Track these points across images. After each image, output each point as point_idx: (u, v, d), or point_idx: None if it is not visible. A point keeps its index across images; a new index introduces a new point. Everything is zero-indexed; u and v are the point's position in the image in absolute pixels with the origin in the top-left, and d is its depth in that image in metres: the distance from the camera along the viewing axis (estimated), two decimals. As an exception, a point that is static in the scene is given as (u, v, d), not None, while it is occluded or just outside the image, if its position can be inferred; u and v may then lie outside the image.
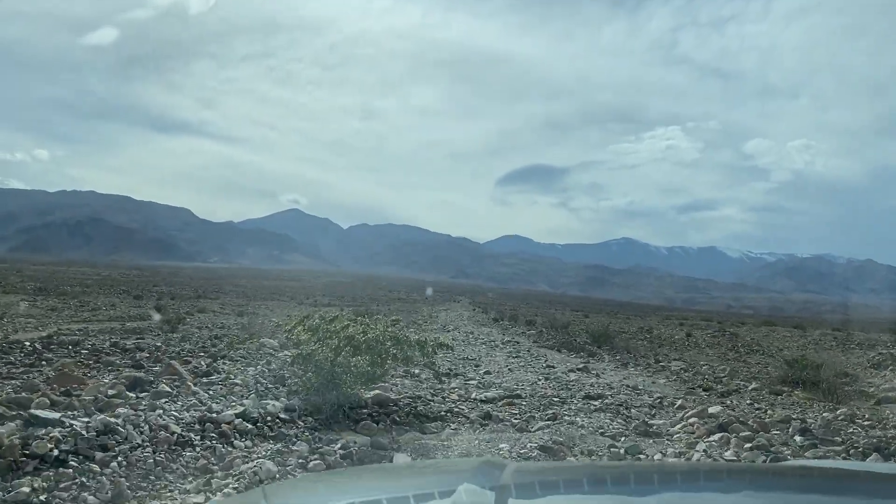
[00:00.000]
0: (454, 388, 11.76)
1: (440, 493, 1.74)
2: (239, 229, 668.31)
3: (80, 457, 5.83)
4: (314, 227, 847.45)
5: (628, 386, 13.26)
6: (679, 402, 11.17)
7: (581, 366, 16.40)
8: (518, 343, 22.80)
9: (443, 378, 11.93)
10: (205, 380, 10.15)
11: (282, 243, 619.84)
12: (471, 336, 25.14)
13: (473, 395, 11.05)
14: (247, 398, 8.77)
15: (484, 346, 20.74)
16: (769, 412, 10.51)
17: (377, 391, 9.64)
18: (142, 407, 7.65)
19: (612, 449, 7.78)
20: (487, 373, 14.39)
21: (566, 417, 9.45)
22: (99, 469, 5.63)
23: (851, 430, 9.06)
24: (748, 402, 11.76)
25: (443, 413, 9.33)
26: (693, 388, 13.49)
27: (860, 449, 7.88)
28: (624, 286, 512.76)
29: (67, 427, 6.33)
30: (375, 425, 8.23)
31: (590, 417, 9.56)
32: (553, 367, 16.01)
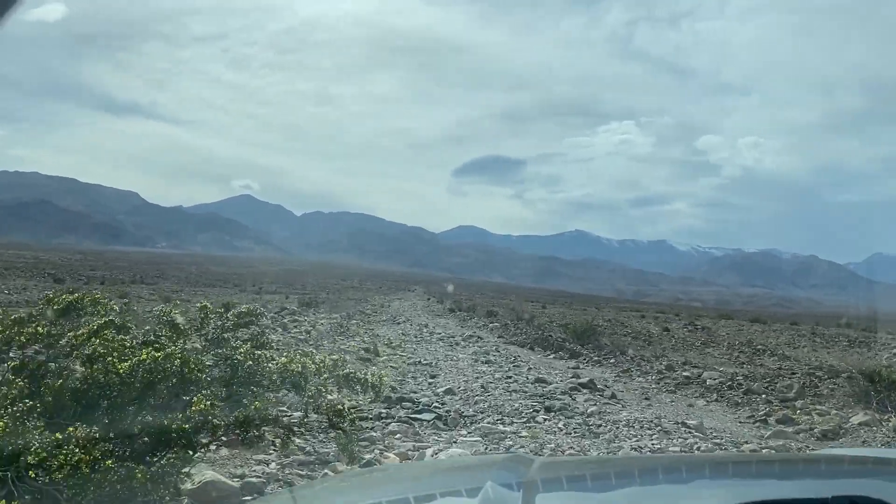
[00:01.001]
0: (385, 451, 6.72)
1: (467, 490, 1.74)
2: (189, 214, 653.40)
3: None
4: (267, 214, 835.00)
5: (708, 435, 8.43)
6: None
7: (580, 378, 12.38)
8: (482, 339, 19.32)
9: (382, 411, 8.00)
10: None
11: (233, 229, 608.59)
12: (424, 330, 21.47)
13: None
14: None
15: (441, 344, 17.13)
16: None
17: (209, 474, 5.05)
18: None
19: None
20: (449, 392, 10.01)
21: None
22: None
23: None
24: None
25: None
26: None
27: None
28: (576, 278, 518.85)
29: None
30: None
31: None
32: (545, 381, 11.75)
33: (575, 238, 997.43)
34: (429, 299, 46.82)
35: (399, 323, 23.84)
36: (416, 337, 19.13)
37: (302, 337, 16.02)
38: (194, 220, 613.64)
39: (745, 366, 17.30)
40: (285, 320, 19.85)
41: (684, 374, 14.48)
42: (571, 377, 12.82)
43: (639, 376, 13.97)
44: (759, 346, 22.77)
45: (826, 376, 14.33)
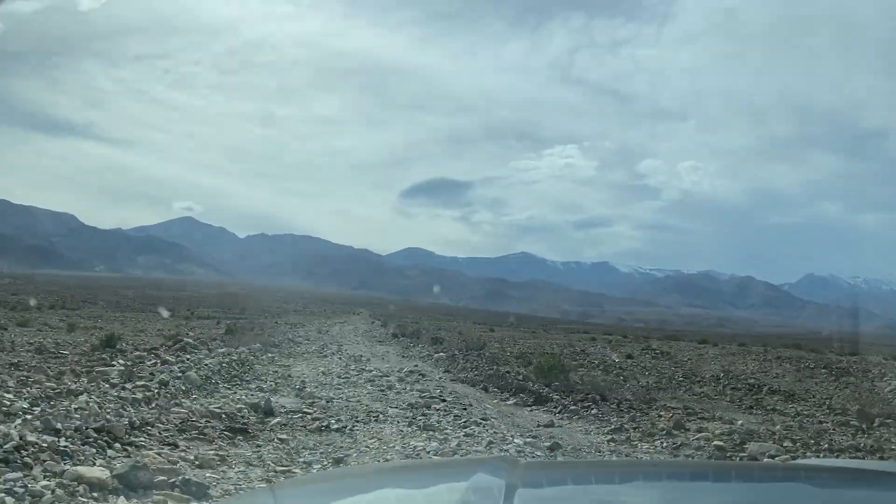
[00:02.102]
0: None
1: (450, 489, 1.76)
2: (128, 237, 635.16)
3: None
4: (209, 236, 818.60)
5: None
6: None
7: (560, 444, 9.26)
8: (424, 376, 15.98)
9: None
10: None
11: (174, 252, 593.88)
12: (355, 366, 17.68)
13: None
14: None
15: (370, 388, 13.55)
16: None
17: None
18: None
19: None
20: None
21: None
22: None
23: None
24: None
25: None
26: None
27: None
28: (522, 299, 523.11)
29: None
30: None
31: None
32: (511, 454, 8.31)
33: (520, 260, 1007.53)
34: (373, 322, 46.18)
35: (326, 356, 20.18)
36: (340, 376, 15.17)
37: (147, 393, 9.69)
38: (134, 243, 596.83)
39: (756, 411, 14.28)
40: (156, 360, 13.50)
41: (702, 433, 10.41)
42: (548, 443, 9.24)
43: (642, 440, 9.95)
44: (748, 380, 19.36)
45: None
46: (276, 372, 15.51)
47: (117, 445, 6.84)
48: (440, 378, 16.36)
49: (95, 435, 6.85)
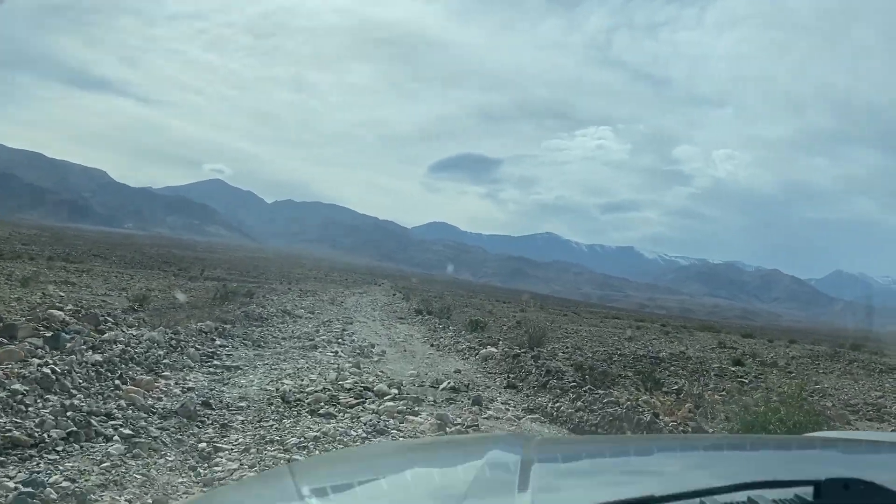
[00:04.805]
0: None
1: (465, 465, 1.75)
2: (158, 196, 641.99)
3: None
4: (237, 200, 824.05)
5: None
6: None
7: None
8: (480, 402, 9.85)
9: None
10: None
11: (203, 214, 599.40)
12: (356, 370, 11.26)
13: None
14: None
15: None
16: None
17: None
18: None
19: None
20: None
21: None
22: None
23: None
24: None
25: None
26: None
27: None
28: (544, 280, 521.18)
29: None
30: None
31: None
32: None
33: (545, 240, 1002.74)
34: (394, 295, 45.52)
35: (318, 346, 14.11)
36: (325, 392, 9.13)
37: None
38: (163, 202, 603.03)
39: None
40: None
41: None
42: None
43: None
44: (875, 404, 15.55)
45: None
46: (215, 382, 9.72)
47: None
48: (517, 415, 9.77)
49: None
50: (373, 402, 8.98)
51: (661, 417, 9.90)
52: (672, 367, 17.93)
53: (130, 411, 6.92)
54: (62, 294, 17.76)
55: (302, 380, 10.05)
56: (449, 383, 11.03)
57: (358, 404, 8.71)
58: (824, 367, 25.15)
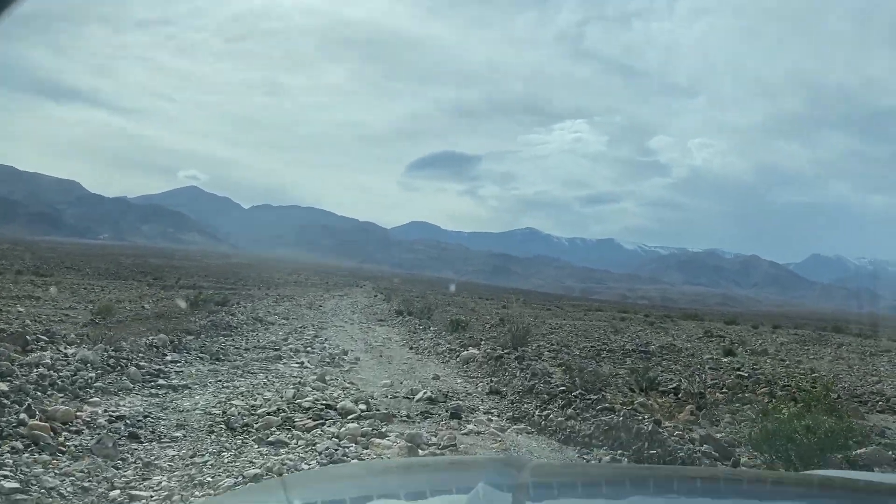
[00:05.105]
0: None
1: (458, 489, 1.75)
2: (133, 205, 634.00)
3: None
4: (214, 206, 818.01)
5: None
6: None
7: None
8: (460, 413, 8.74)
9: None
10: None
11: (179, 222, 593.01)
12: (321, 383, 10.00)
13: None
14: None
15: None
16: None
17: None
18: None
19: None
20: None
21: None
22: None
23: None
24: None
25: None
26: None
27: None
28: (526, 275, 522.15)
29: None
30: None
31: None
32: None
33: (525, 235, 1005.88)
34: (375, 296, 44.37)
35: (282, 357, 12.72)
36: (279, 414, 7.85)
37: None
38: (138, 212, 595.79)
39: None
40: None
41: None
42: None
43: None
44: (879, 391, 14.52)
45: None
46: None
47: None
48: (501, 426, 8.58)
49: None
50: (334, 423, 7.70)
51: (663, 425, 8.71)
52: (664, 362, 17.00)
53: (28, 455, 5.52)
54: (21, 310, 16.55)
55: (255, 399, 8.73)
56: (425, 393, 9.91)
57: (316, 427, 7.44)
58: (814, 353, 24.97)
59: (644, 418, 8.65)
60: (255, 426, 7.27)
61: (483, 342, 16.42)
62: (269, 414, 7.80)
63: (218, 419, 7.52)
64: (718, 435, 8.78)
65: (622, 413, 8.60)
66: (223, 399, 8.68)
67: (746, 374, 15.07)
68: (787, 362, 19.47)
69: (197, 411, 7.95)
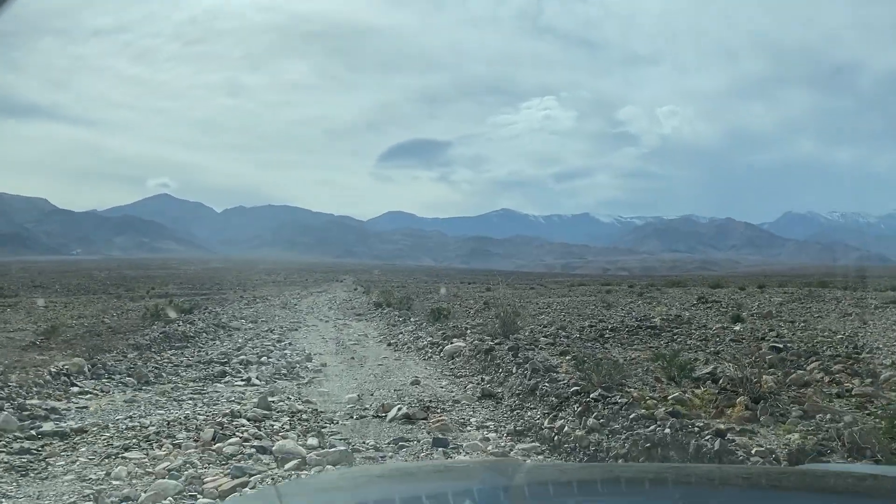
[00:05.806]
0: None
1: (454, 493, 1.73)
2: (104, 218, 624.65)
3: None
4: (187, 212, 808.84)
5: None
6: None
7: None
8: (444, 406, 8.61)
9: None
10: None
11: (152, 231, 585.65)
12: (302, 363, 11.82)
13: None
14: None
15: None
16: None
17: None
18: None
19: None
20: None
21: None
22: None
23: None
24: None
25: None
26: None
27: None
28: (505, 256, 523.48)
29: None
30: None
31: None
32: None
33: (501, 216, 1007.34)
34: (355, 289, 44.10)
35: (224, 376, 10.98)
36: (181, 472, 5.73)
37: None
38: (110, 224, 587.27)
39: None
40: None
41: None
42: None
43: None
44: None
45: None
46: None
47: None
48: (501, 446, 6.91)
49: None
50: (264, 478, 5.57)
51: (729, 437, 6.05)
52: (678, 337, 14.52)
53: None
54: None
55: (159, 448, 6.50)
56: (401, 409, 8.11)
57: (234, 490, 5.24)
58: (817, 311, 23.27)
59: (694, 425, 6.38)
60: (140, 502, 5.10)
61: (469, 331, 14.91)
62: (168, 473, 5.58)
63: (84, 498, 5.23)
64: (799, 440, 6.15)
65: (668, 423, 6.40)
66: (113, 454, 6.32)
67: (781, 346, 12.31)
68: (797, 324, 17.95)
69: (63, 482, 5.62)
